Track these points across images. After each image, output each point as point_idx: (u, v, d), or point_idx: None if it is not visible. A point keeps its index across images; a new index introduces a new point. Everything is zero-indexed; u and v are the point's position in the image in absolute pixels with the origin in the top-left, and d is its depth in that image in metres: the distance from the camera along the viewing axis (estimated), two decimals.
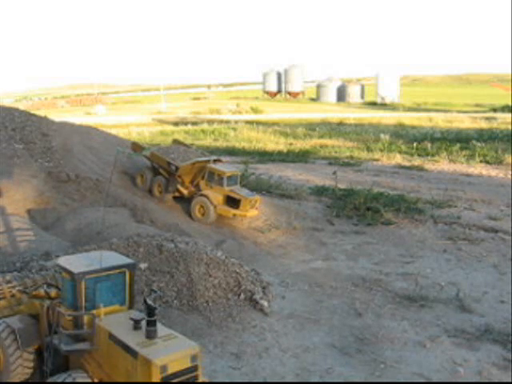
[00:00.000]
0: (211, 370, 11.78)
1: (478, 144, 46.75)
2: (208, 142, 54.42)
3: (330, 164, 41.21)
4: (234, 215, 23.09)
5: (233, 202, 22.98)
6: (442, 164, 41.46)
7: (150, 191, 25.33)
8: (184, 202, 24.53)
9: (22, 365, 10.37)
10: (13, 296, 11.56)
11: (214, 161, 25.14)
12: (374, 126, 69.56)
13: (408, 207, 25.89)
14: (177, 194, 24.73)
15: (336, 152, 47.40)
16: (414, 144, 48.68)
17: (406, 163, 41.81)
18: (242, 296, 15.34)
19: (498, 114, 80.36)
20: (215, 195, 23.17)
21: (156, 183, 25.19)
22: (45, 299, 10.86)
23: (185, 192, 24.38)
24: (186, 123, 73.90)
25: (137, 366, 8.71)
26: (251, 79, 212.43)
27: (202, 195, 23.38)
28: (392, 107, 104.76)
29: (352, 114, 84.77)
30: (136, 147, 27.04)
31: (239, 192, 23.09)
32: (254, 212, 23.23)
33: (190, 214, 23.62)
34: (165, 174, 24.93)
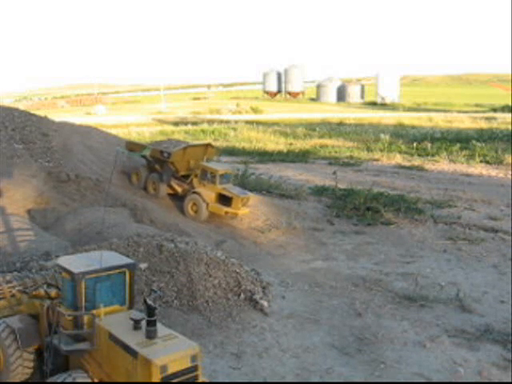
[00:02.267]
0: (211, 370, 11.78)
1: (478, 144, 46.73)
2: None
3: (330, 164, 41.21)
4: (226, 213, 23.30)
5: (225, 200, 23.23)
6: (442, 164, 41.46)
7: (145, 189, 25.66)
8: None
9: (22, 365, 10.36)
10: (13, 296, 11.55)
11: (206, 146, 25.73)
12: (374, 126, 69.53)
13: (408, 207, 25.90)
14: (171, 192, 25.04)
15: (336, 152, 47.39)
16: (414, 144, 48.68)
17: (406, 163, 41.81)
18: (242, 296, 15.33)
19: (498, 114, 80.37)
20: (208, 193, 23.44)
21: (150, 181, 25.55)
22: (45, 299, 10.86)
23: (179, 189, 24.72)
24: (186, 123, 73.86)
25: (137, 365, 8.71)
26: (251, 79, 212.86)
27: (194, 193, 23.68)
28: (392, 107, 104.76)
29: (352, 114, 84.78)
30: (134, 146, 27.19)
31: (231, 190, 23.32)
32: (246, 210, 23.52)
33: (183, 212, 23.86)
34: (160, 168, 25.29)
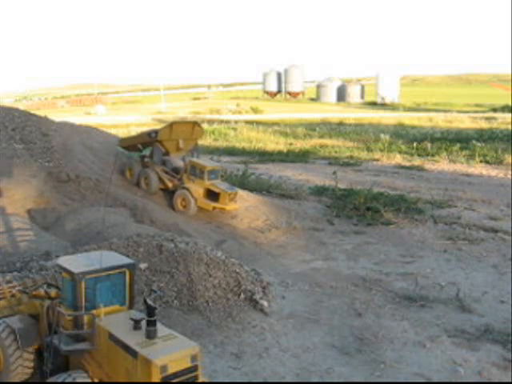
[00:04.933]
0: (211, 369, 11.77)
1: (478, 144, 46.78)
2: (208, 142, 54.35)
3: (330, 164, 41.23)
4: (214, 208, 23.65)
5: (213, 196, 23.59)
6: (442, 164, 41.48)
7: (138, 184, 25.92)
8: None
9: (22, 365, 10.35)
10: (13, 296, 11.54)
11: (193, 125, 26.37)
12: (374, 125, 69.58)
13: (408, 207, 25.90)
14: (162, 186, 25.35)
15: (336, 152, 47.41)
16: (414, 144, 48.70)
17: (406, 163, 41.84)
18: (242, 296, 15.32)
19: (498, 114, 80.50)
20: (196, 188, 23.77)
21: (143, 176, 25.77)
22: (45, 299, 10.85)
23: (169, 184, 25.01)
24: None
25: (137, 365, 8.70)
26: (251, 79, 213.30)
27: (183, 188, 24.05)
28: (392, 107, 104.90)
29: (352, 114, 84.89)
30: (127, 141, 27.99)
31: (219, 186, 23.67)
32: (234, 205, 23.82)
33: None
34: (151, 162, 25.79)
